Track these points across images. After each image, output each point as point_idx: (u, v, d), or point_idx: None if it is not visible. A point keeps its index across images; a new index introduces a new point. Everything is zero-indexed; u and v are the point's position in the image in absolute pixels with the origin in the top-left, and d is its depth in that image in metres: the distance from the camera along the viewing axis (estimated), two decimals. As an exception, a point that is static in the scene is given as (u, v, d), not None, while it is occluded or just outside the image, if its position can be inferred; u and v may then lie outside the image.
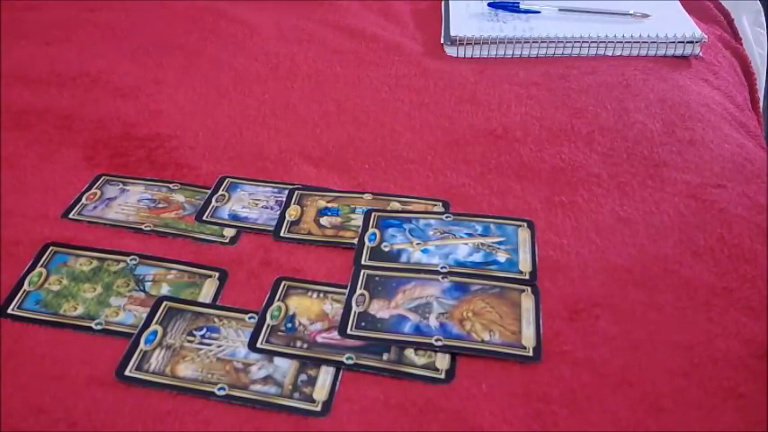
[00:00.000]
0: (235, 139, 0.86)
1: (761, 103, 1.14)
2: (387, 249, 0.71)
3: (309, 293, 0.66)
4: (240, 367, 0.60)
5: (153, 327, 0.63)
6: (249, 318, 0.64)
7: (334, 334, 0.62)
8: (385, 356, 0.60)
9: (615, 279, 0.67)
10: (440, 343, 0.61)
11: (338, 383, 0.59)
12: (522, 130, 0.87)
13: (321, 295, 0.66)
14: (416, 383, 0.59)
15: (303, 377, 0.59)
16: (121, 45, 1.03)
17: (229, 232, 0.73)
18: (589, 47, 1.03)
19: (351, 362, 0.60)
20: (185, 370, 0.60)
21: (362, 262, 0.69)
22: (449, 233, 0.72)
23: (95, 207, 0.76)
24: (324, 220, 0.74)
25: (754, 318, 0.63)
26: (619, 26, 1.05)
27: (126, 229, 0.73)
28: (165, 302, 0.65)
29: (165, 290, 0.67)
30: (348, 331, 0.62)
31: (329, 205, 0.76)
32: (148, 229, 0.73)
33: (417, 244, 0.71)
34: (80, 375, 0.59)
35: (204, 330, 0.63)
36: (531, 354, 0.60)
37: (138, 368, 0.59)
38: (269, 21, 1.10)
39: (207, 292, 0.67)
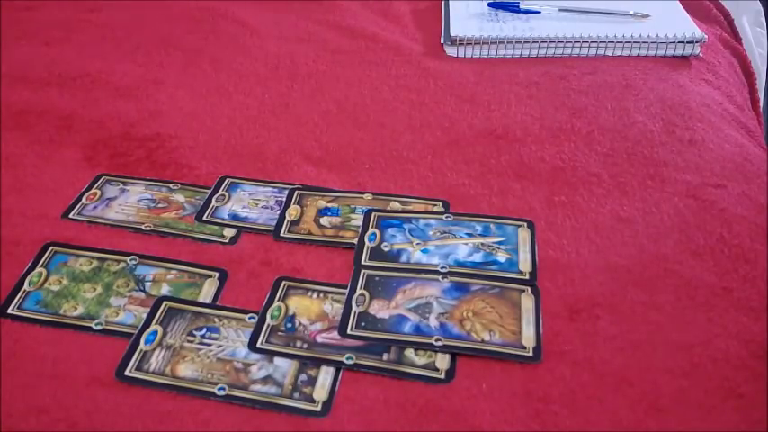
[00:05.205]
0: (235, 139, 0.86)
1: (761, 103, 1.14)
2: (387, 249, 0.71)
3: (309, 293, 0.66)
4: (240, 367, 0.60)
5: (153, 327, 0.63)
6: (249, 318, 0.64)
7: (334, 334, 0.62)
8: (385, 356, 0.60)
9: (615, 279, 0.67)
10: (440, 343, 0.61)
11: (338, 383, 0.59)
12: (522, 130, 0.87)
13: (321, 295, 0.66)
14: (416, 383, 0.59)
15: (303, 377, 0.59)
16: (121, 45, 1.03)
17: (229, 232, 0.73)
18: (589, 47, 1.03)
19: (351, 362, 0.60)
20: (185, 370, 0.60)
21: (362, 262, 0.69)
22: (449, 233, 0.72)
23: (95, 207, 0.76)
24: (324, 220, 0.74)
25: (754, 318, 0.63)
26: (619, 26, 1.05)
27: (126, 229, 0.73)
28: (165, 302, 0.65)
29: (165, 290, 0.67)
30: (348, 331, 0.62)
31: (329, 205, 0.76)
32: (148, 229, 0.73)
33: (417, 244, 0.71)
34: (80, 375, 0.59)
35: (204, 330, 0.63)
36: (531, 354, 0.60)
37: (138, 368, 0.59)
38: (269, 21, 1.10)
39: (207, 292, 0.67)
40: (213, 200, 0.77)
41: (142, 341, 0.62)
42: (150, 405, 0.57)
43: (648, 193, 0.77)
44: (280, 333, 0.62)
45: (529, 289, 0.66)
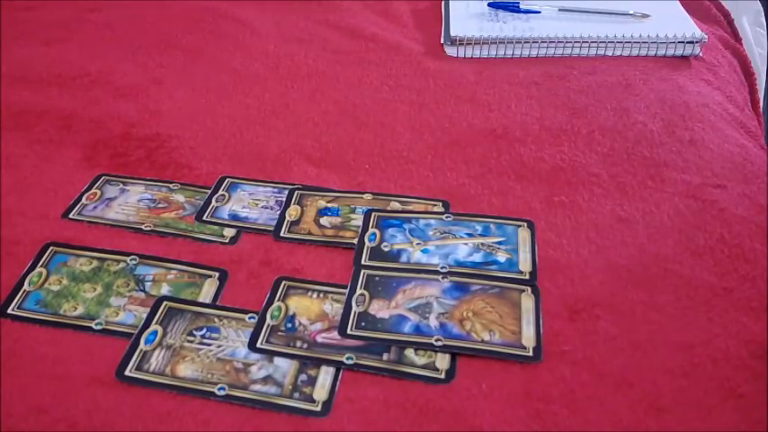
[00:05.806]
0: (235, 139, 0.86)
1: (761, 103, 1.14)
2: (387, 249, 0.70)
3: (309, 293, 0.66)
4: (240, 367, 0.60)
5: (153, 327, 0.63)
6: (249, 318, 0.64)
7: (334, 334, 0.62)
8: (385, 356, 0.60)
9: (615, 279, 0.67)
10: (440, 343, 0.61)
11: (338, 383, 0.59)
12: (522, 130, 0.87)
13: (321, 295, 0.66)
14: (416, 383, 0.59)
15: (303, 377, 0.59)
16: (121, 45, 1.03)
17: (229, 232, 0.73)
18: (589, 47, 1.03)
19: (351, 362, 0.60)
20: (185, 370, 0.60)
21: (362, 262, 0.69)
22: (449, 233, 0.72)
23: (95, 207, 0.76)
24: (324, 220, 0.74)
25: (754, 318, 0.63)
26: (619, 26, 1.05)
27: (126, 229, 0.73)
28: (165, 302, 0.65)
29: (165, 290, 0.67)
30: (348, 331, 0.62)
31: (329, 205, 0.76)
32: (148, 229, 0.73)
33: (417, 244, 0.71)
34: (80, 375, 0.59)
35: (204, 330, 0.63)
36: (531, 354, 0.60)
37: (138, 368, 0.59)
38: (269, 21, 1.10)
39: (207, 292, 0.67)
40: (213, 200, 0.77)
41: (142, 341, 0.62)
42: (150, 405, 0.57)
43: (648, 193, 0.77)
44: (280, 333, 0.62)
45: (529, 289, 0.66)
